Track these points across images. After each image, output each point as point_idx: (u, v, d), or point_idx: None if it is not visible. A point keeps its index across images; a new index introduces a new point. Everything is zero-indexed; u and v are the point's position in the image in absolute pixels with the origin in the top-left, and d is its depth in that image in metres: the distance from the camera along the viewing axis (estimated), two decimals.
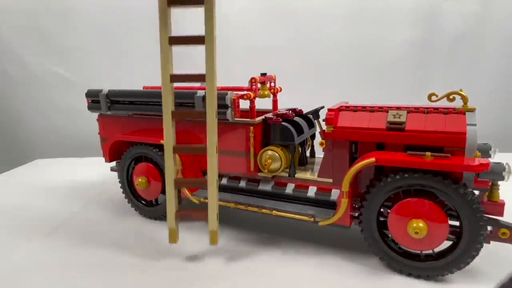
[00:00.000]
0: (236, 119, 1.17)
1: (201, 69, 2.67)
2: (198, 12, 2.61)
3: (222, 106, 1.17)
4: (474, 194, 0.88)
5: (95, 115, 1.50)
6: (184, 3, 1.02)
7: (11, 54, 2.59)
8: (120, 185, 1.45)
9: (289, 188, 1.16)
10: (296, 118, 1.21)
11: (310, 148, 1.34)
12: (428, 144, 0.92)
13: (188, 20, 2.49)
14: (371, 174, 1.03)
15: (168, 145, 1.05)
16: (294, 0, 2.42)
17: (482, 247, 0.89)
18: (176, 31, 2.64)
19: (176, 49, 2.60)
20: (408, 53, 2.31)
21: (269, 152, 1.14)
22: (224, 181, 1.27)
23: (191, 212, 1.23)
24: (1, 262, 1.14)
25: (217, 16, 2.65)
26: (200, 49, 2.73)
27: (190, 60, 2.57)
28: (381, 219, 1.01)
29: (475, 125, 0.90)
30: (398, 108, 1.00)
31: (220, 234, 1.27)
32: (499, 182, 0.95)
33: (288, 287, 0.97)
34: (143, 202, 1.43)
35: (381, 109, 1.02)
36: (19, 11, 2.52)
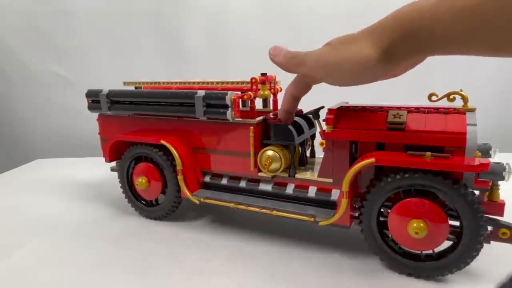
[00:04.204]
0: (236, 119, 1.17)
1: (200, 68, 2.65)
2: (194, 12, 2.60)
3: (222, 106, 1.17)
4: (474, 194, 0.88)
5: (95, 115, 1.50)
6: None
7: (11, 54, 2.59)
8: (120, 185, 1.45)
9: (289, 188, 1.16)
10: (296, 118, 1.21)
11: (310, 148, 1.34)
12: (428, 144, 0.92)
13: (185, 21, 2.51)
14: (371, 174, 1.03)
15: None
16: (295, 1, 2.42)
17: (482, 247, 0.89)
18: (173, 32, 2.64)
19: (176, 47, 2.59)
20: None
21: (269, 152, 1.14)
22: (224, 181, 1.27)
23: None
24: (1, 262, 1.14)
25: (218, 17, 2.65)
26: (200, 49, 2.72)
27: (190, 61, 2.57)
28: (381, 219, 1.01)
29: (475, 125, 0.90)
30: (398, 108, 1.00)
31: (220, 234, 1.27)
32: (499, 182, 0.95)
33: (288, 286, 0.97)
34: (143, 202, 1.43)
35: (381, 109, 1.02)
36: (19, 11, 2.52)
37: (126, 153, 1.40)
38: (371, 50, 0.76)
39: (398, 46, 0.73)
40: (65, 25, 2.54)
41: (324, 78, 0.90)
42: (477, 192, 0.93)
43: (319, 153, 1.19)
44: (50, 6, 2.50)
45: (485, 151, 1.03)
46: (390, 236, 1.00)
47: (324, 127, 1.06)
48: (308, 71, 0.91)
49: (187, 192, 1.27)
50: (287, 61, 0.95)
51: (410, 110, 0.99)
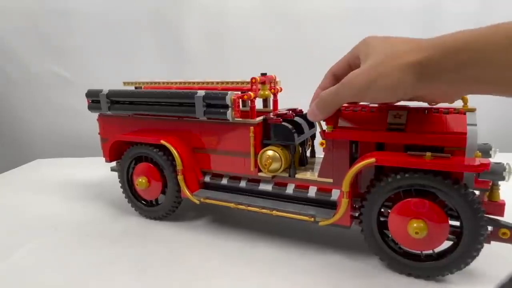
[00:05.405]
0: (236, 119, 1.17)
1: (200, 68, 2.66)
2: (194, 12, 2.60)
3: (222, 106, 1.17)
4: (474, 194, 0.88)
5: (95, 115, 1.50)
6: None
7: (11, 54, 2.59)
8: (120, 185, 1.45)
9: (290, 188, 1.16)
10: (296, 118, 1.21)
11: (310, 148, 1.34)
12: (428, 144, 0.92)
13: (185, 21, 2.51)
14: (371, 174, 1.03)
15: None
16: (295, 0, 2.42)
17: (482, 247, 0.89)
18: (173, 32, 2.64)
19: (176, 47, 2.59)
20: None
21: (270, 152, 1.14)
22: (225, 181, 1.27)
23: None
24: (1, 262, 1.14)
25: (218, 17, 2.65)
26: (200, 49, 2.72)
27: (190, 61, 2.57)
28: (382, 219, 1.01)
29: (475, 125, 0.90)
30: (398, 108, 1.00)
31: (220, 234, 1.27)
32: (500, 182, 0.95)
33: (289, 286, 0.97)
34: (143, 202, 1.43)
35: (381, 109, 1.02)
36: (19, 11, 2.52)
37: (126, 153, 1.40)
38: (408, 69, 0.76)
39: (437, 63, 0.73)
40: (65, 25, 2.54)
41: (357, 99, 0.91)
42: (477, 192, 0.93)
43: (319, 153, 1.19)
44: (50, 6, 2.50)
45: (485, 151, 1.03)
46: (390, 236, 1.00)
47: (324, 127, 1.06)
48: (345, 99, 0.92)
49: (187, 192, 1.27)
50: (323, 109, 0.96)
51: (410, 110, 0.99)
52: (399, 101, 0.89)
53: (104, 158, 1.50)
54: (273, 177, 1.18)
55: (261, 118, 1.18)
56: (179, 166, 1.25)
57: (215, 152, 1.25)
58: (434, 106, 0.98)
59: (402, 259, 0.98)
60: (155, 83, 1.47)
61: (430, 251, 0.95)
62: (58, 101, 2.67)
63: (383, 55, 0.81)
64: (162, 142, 1.26)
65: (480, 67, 0.69)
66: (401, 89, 0.80)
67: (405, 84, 0.78)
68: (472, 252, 0.89)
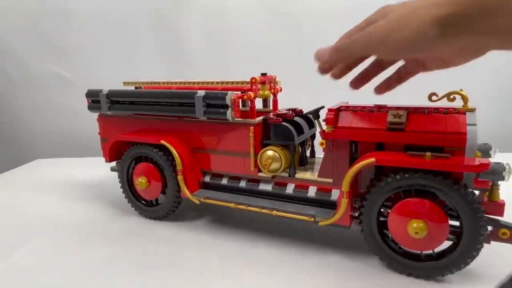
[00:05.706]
0: (236, 119, 1.17)
1: (200, 68, 2.65)
2: (194, 12, 2.59)
3: (222, 106, 1.17)
4: (474, 194, 0.88)
5: (95, 115, 1.50)
6: None
7: (11, 54, 2.60)
8: (120, 185, 1.45)
9: (290, 188, 1.16)
10: (296, 118, 1.21)
11: (310, 148, 1.34)
12: (428, 144, 0.92)
13: (185, 21, 2.51)
14: (371, 174, 1.03)
15: None
16: (294, 0, 2.42)
17: (482, 247, 0.89)
18: (173, 32, 2.64)
19: (176, 47, 2.59)
20: None
21: (269, 152, 1.14)
22: (225, 181, 1.27)
23: None
24: (1, 262, 1.14)
25: (218, 17, 2.65)
26: (200, 49, 2.71)
27: (190, 61, 2.57)
28: (381, 219, 1.01)
29: (475, 125, 0.90)
30: (398, 108, 1.00)
31: (220, 234, 1.27)
32: (499, 182, 0.95)
33: (288, 286, 0.97)
34: (143, 202, 1.43)
35: (381, 109, 1.02)
36: (19, 11, 2.52)
37: (126, 153, 1.40)
38: (432, 22, 0.70)
39: (462, 14, 0.67)
40: (65, 25, 2.54)
41: (372, 51, 0.86)
42: (477, 192, 0.93)
43: (319, 153, 1.19)
44: (50, 6, 2.50)
45: (485, 151, 1.03)
46: (390, 236, 1.00)
47: (324, 127, 1.06)
48: (359, 49, 0.86)
49: (187, 192, 1.27)
50: (335, 52, 0.89)
51: (410, 110, 0.99)
52: (417, 56, 0.84)
53: (104, 158, 1.50)
54: (273, 177, 1.18)
55: (261, 118, 1.18)
56: (179, 166, 1.25)
57: (215, 152, 1.25)
58: (434, 106, 0.98)
59: (402, 259, 0.98)
60: (155, 83, 1.47)
61: (430, 251, 0.95)
62: (58, 101, 2.67)
63: (405, 10, 0.76)
64: (162, 142, 1.26)
65: (507, 14, 0.63)
66: (422, 42, 0.74)
67: (427, 37, 0.72)
68: (472, 252, 0.89)
